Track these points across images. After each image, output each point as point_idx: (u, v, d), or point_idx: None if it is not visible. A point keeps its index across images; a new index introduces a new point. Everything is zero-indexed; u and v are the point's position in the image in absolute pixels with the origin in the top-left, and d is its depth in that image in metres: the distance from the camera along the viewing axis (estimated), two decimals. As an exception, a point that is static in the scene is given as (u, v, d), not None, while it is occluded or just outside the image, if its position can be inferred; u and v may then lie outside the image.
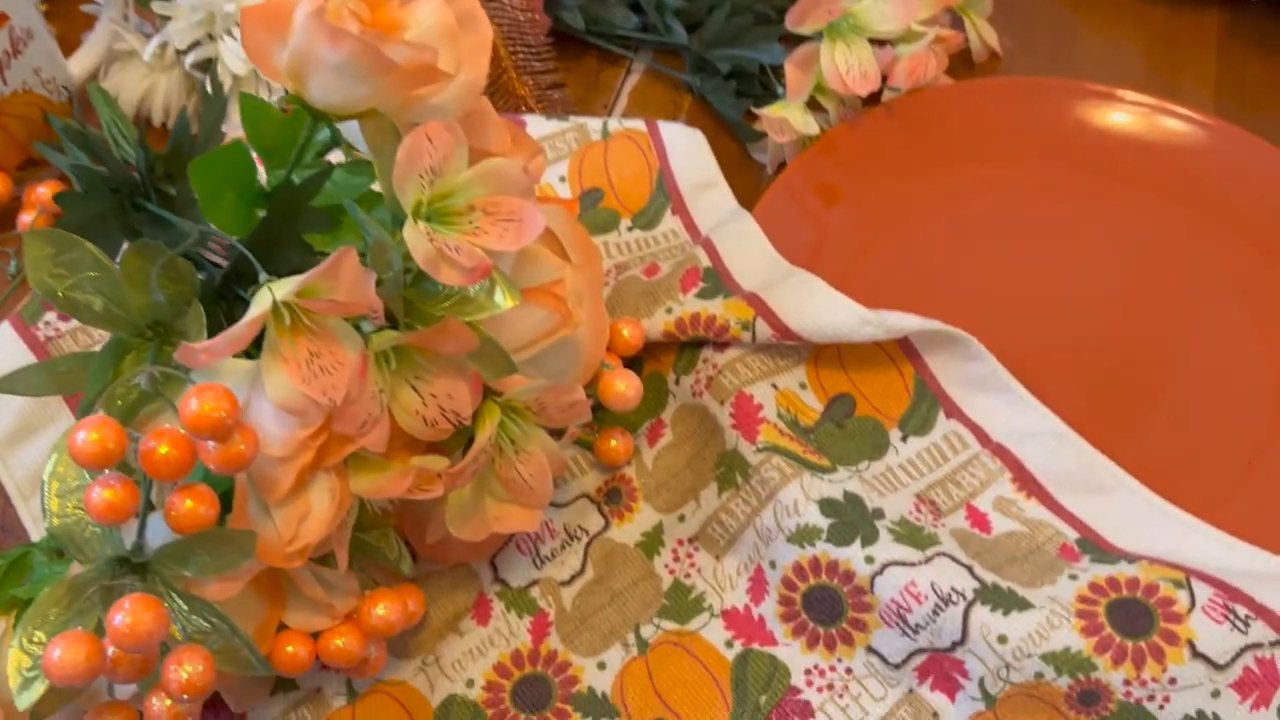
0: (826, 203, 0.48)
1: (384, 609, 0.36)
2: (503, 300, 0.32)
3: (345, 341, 0.31)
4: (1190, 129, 0.49)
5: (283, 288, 0.30)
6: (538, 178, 0.42)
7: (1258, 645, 0.35)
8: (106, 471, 0.29)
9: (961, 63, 0.55)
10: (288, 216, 0.34)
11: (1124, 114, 0.49)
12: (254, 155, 0.35)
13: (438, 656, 0.40)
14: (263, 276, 0.31)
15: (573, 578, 0.41)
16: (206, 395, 0.28)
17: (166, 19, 0.50)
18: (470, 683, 0.39)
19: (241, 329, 0.29)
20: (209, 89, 0.38)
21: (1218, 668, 0.35)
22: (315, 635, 0.36)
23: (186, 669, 0.30)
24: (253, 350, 0.31)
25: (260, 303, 0.30)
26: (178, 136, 0.37)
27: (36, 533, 0.43)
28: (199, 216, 0.36)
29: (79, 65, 0.53)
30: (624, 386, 0.40)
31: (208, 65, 0.51)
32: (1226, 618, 0.36)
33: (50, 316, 0.46)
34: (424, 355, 0.33)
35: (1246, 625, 0.36)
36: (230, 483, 0.33)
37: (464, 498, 0.37)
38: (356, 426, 0.32)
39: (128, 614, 0.28)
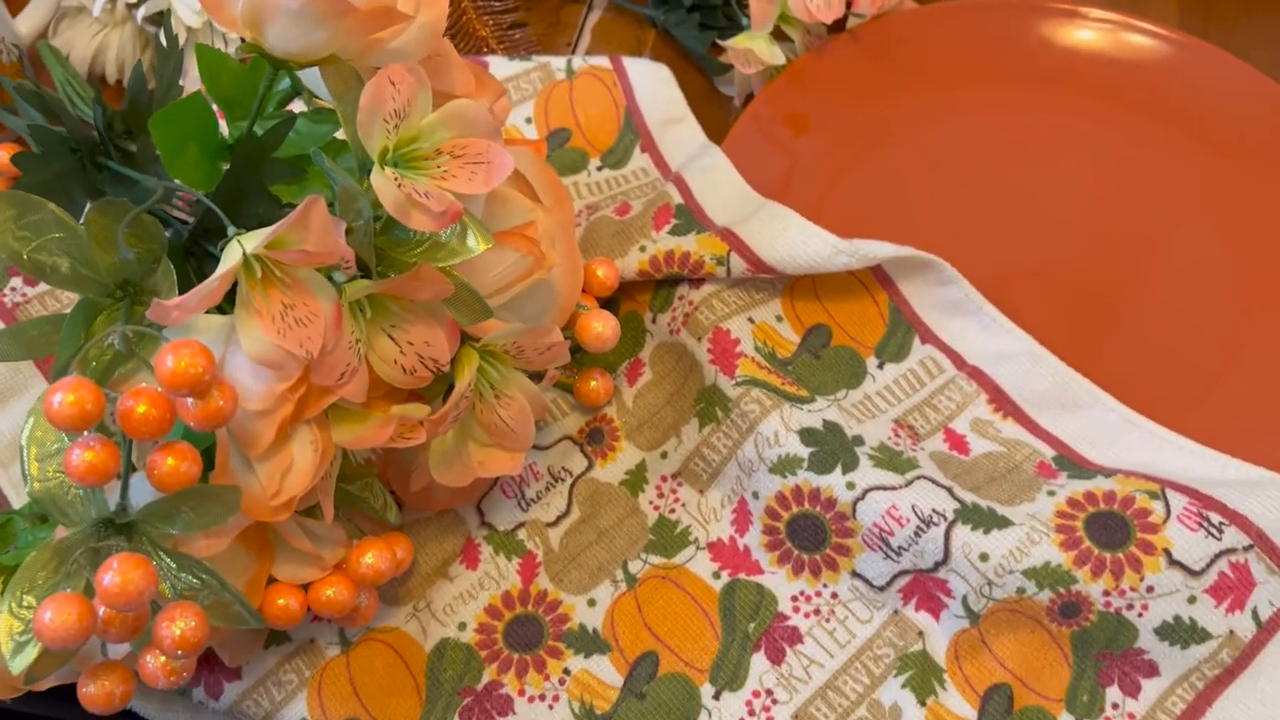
0: (795, 133, 0.48)
1: (373, 557, 0.36)
2: (475, 244, 0.32)
3: (318, 292, 0.31)
4: (1155, 44, 0.49)
5: (252, 240, 0.30)
6: (503, 119, 0.42)
7: (1231, 551, 0.36)
8: (85, 433, 0.29)
9: (926, -14, 0.54)
10: (252, 168, 0.34)
11: (1088, 31, 0.49)
12: (214, 108, 0.35)
13: (429, 602, 0.40)
14: (231, 230, 0.31)
15: (559, 518, 0.42)
16: (183, 352, 0.28)
17: (114, -29, 0.49)
18: (462, 626, 0.40)
19: (213, 283, 0.29)
20: (163, 42, 0.38)
21: (1193, 574, 0.36)
22: (305, 587, 0.36)
23: (179, 625, 0.30)
24: (225, 306, 0.31)
25: (230, 256, 0.29)
26: (134, 92, 0.36)
27: (18, 500, 0.42)
28: (162, 172, 0.35)
29: (27, 24, 0.51)
30: (601, 327, 0.40)
31: (160, 19, 0.50)
32: (1201, 525, 0.37)
33: (16, 282, 0.45)
34: (399, 303, 0.33)
35: (1220, 532, 0.36)
36: (212, 439, 0.33)
37: (447, 444, 0.37)
38: (335, 377, 0.32)
39: (116, 573, 0.28)
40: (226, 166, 0.34)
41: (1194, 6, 0.53)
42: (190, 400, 0.29)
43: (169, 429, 0.29)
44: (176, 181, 0.33)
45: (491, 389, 0.36)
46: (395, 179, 0.31)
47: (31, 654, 0.30)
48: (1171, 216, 0.46)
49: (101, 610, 0.30)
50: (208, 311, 0.31)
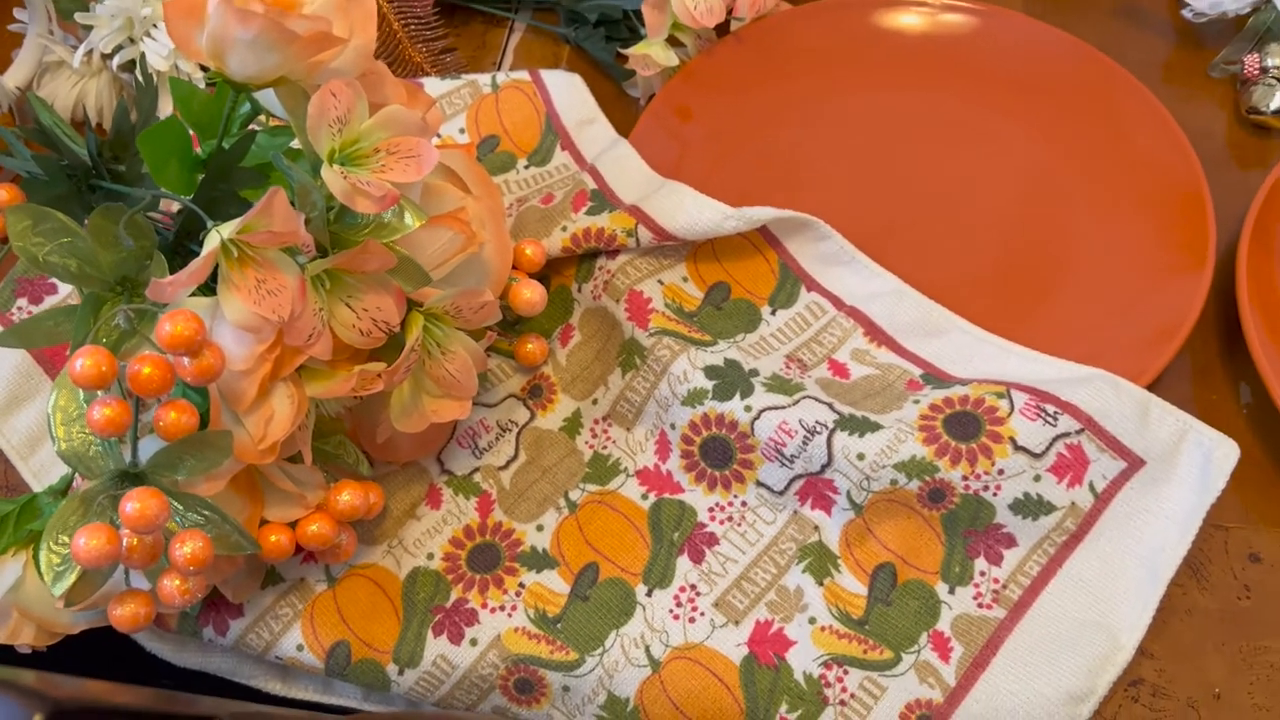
0: (689, 122, 0.55)
1: (348, 495, 0.43)
2: (412, 221, 0.39)
3: (285, 268, 0.38)
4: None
5: (227, 228, 0.36)
6: (436, 128, 0.49)
7: (1065, 434, 0.44)
8: (102, 393, 0.36)
9: (803, -11, 0.62)
10: (223, 177, 0.41)
11: (940, 16, 0.57)
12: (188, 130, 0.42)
13: (400, 539, 0.47)
14: (210, 224, 0.38)
15: (508, 462, 0.49)
16: (177, 318, 0.35)
17: (90, 28, 0.56)
18: (430, 556, 0.46)
19: (199, 263, 0.36)
20: (139, 82, 0.45)
21: (1035, 456, 0.43)
22: (293, 526, 0.43)
23: (188, 546, 0.36)
24: (209, 290, 0.38)
25: (211, 242, 0.36)
26: (119, 122, 0.43)
27: (39, 487, 0.49)
28: (148, 187, 0.42)
29: (13, 79, 0.58)
30: (530, 293, 0.47)
31: (132, 67, 0.57)
32: (1039, 415, 0.44)
33: (22, 302, 0.52)
34: (353, 276, 0.40)
35: (1055, 419, 0.44)
36: (206, 406, 0.40)
37: (404, 397, 0.44)
38: (304, 338, 0.39)
39: (135, 500, 0.35)
40: (201, 177, 0.41)
41: (1035, -9, 0.61)
42: (186, 360, 0.36)
43: (170, 387, 0.36)
44: (162, 190, 0.40)
45: (438, 346, 0.43)
46: (342, 173, 0.38)
47: (70, 578, 0.37)
48: (998, 162, 0.54)
49: (125, 538, 0.36)
50: (194, 293, 0.38)
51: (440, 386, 0.44)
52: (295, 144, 0.43)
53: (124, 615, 0.39)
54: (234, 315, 0.37)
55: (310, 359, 0.40)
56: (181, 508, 0.39)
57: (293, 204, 0.39)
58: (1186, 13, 0.57)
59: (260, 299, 0.37)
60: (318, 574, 0.46)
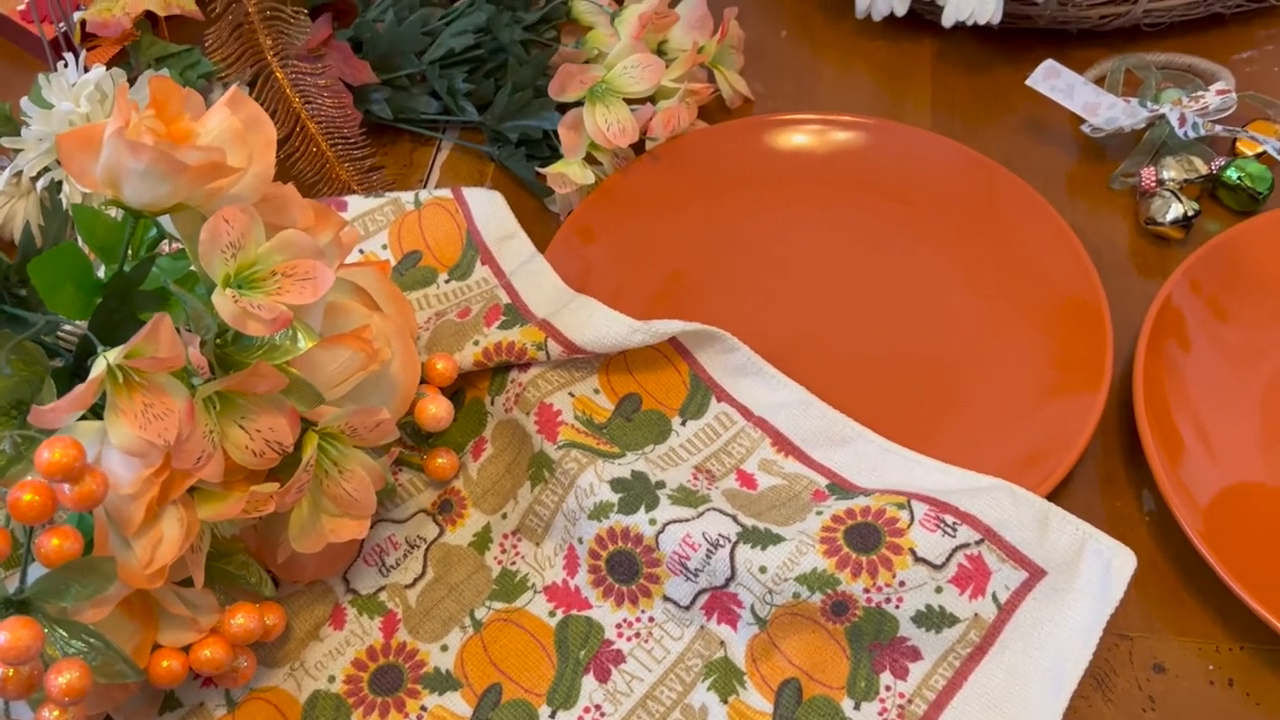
0: (604, 238, 0.57)
1: (242, 618, 0.42)
2: (303, 343, 0.40)
3: (172, 391, 0.38)
4: (905, 139, 0.59)
5: (114, 354, 0.37)
6: (350, 246, 0.50)
7: (965, 545, 0.44)
8: (-18, 519, 0.36)
9: (719, 108, 0.64)
10: (123, 300, 0.41)
11: (845, 133, 0.59)
12: (91, 255, 0.43)
13: (303, 661, 0.46)
14: (100, 348, 0.38)
15: (415, 580, 0.48)
16: (55, 445, 0.35)
17: (18, 151, 0.57)
18: (332, 679, 0.46)
19: (82, 389, 0.36)
20: (44, 209, 0.45)
21: (936, 568, 0.43)
22: (187, 650, 0.42)
23: (65, 676, 0.36)
24: (99, 414, 0.38)
25: (97, 367, 0.37)
26: (24, 246, 0.44)
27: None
28: (50, 312, 0.42)
29: (-58, 201, 0.59)
30: (436, 409, 0.48)
31: (59, 189, 0.58)
32: (938, 526, 0.44)
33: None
34: (245, 398, 0.40)
35: (954, 530, 0.44)
36: (92, 532, 0.40)
37: (303, 517, 0.43)
38: (192, 462, 0.39)
39: (6, 631, 0.34)
40: (100, 301, 0.41)
41: (944, 107, 0.64)
42: (67, 486, 0.36)
43: (50, 514, 0.36)
44: (59, 316, 0.41)
45: (335, 465, 0.43)
46: (233, 297, 0.38)
47: (-61, 714, 0.36)
48: (900, 274, 0.55)
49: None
50: (82, 419, 0.38)
51: (338, 505, 0.44)
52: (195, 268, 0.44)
53: (-1, 748, 0.38)
54: (119, 440, 0.37)
55: (201, 481, 0.40)
56: (65, 635, 0.38)
57: (187, 328, 0.39)
58: (1085, 128, 0.59)
59: (146, 423, 0.37)
60: (217, 699, 0.45)
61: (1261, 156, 0.57)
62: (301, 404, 0.41)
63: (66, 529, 0.37)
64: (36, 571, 0.38)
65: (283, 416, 0.41)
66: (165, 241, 0.44)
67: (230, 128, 0.40)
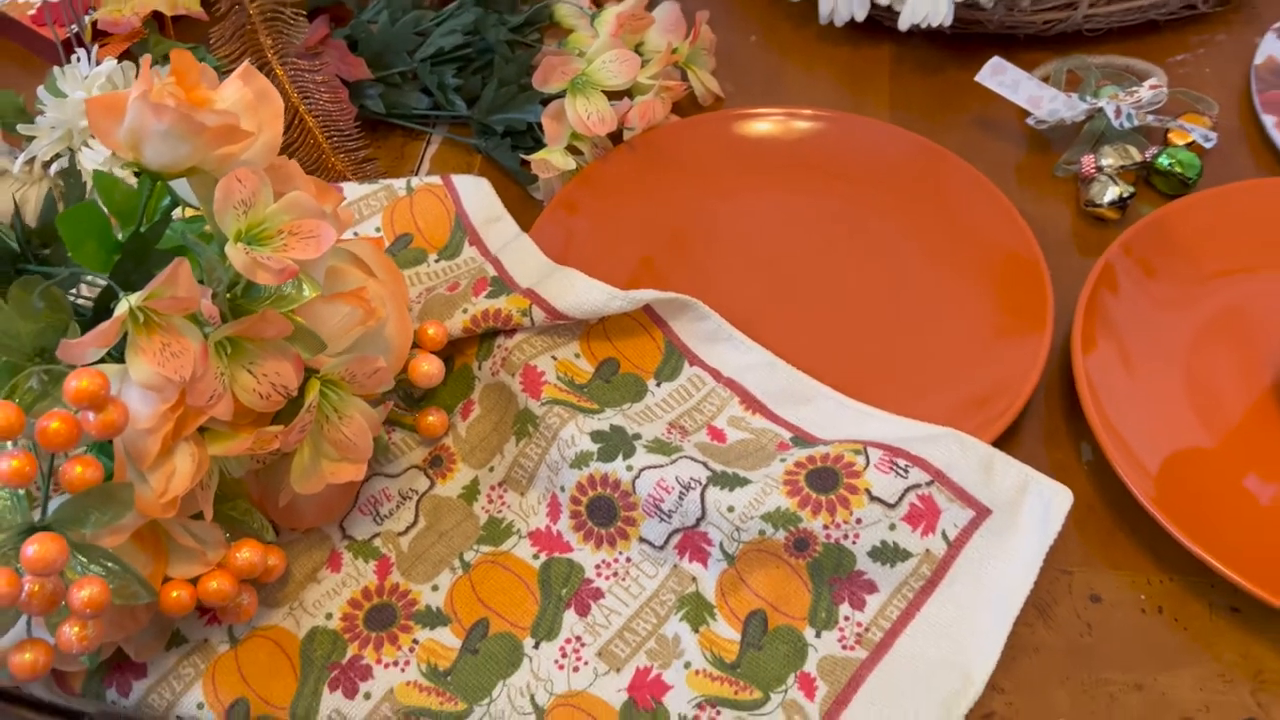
0: (584, 217, 0.61)
1: (247, 552, 0.45)
2: (309, 292, 0.43)
3: (188, 334, 0.41)
4: (861, 129, 0.63)
5: (136, 296, 0.40)
6: (347, 223, 0.53)
7: (917, 485, 0.47)
8: (9, 446, 0.39)
9: (693, 105, 0.68)
10: (139, 257, 0.45)
11: (806, 123, 0.64)
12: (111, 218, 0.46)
13: (301, 601, 0.49)
14: (121, 294, 0.41)
15: (408, 528, 0.51)
16: (83, 375, 0.38)
17: (31, 138, 0.61)
18: (329, 616, 0.49)
19: (107, 326, 0.39)
20: (66, 177, 0.49)
21: (890, 506, 0.47)
22: (194, 582, 0.45)
23: (86, 590, 0.39)
24: (117, 357, 0.42)
25: (120, 307, 0.40)
26: (46, 211, 0.47)
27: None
28: (72, 269, 0.46)
29: (-42, 187, 0.63)
30: (428, 366, 0.51)
31: (69, 174, 0.62)
32: (892, 468, 0.48)
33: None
34: (253, 343, 0.43)
35: (906, 472, 0.48)
36: (111, 466, 0.43)
37: (305, 461, 0.47)
38: (205, 399, 0.42)
39: (36, 544, 0.38)
40: (118, 258, 0.45)
41: (901, 105, 0.68)
42: (91, 415, 0.39)
43: (75, 441, 0.39)
44: (83, 268, 0.44)
45: (335, 411, 0.46)
46: (244, 249, 0.42)
47: (-29, 622, 0.39)
48: (858, 249, 0.59)
49: (26, 583, 0.39)
50: (102, 361, 0.42)
51: (337, 450, 0.47)
52: (208, 228, 0.47)
53: (23, 663, 0.41)
54: (139, 375, 0.40)
55: (212, 420, 0.43)
56: (85, 560, 0.41)
57: (202, 281, 0.43)
58: (1030, 121, 0.63)
59: (164, 360, 0.40)
60: (221, 635, 0.48)
61: (1191, 145, 0.61)
62: (305, 350, 0.44)
63: (89, 458, 0.40)
64: (56, 504, 0.41)
65: (288, 362, 0.44)
66: (180, 209, 0.48)
67: (243, 98, 0.44)
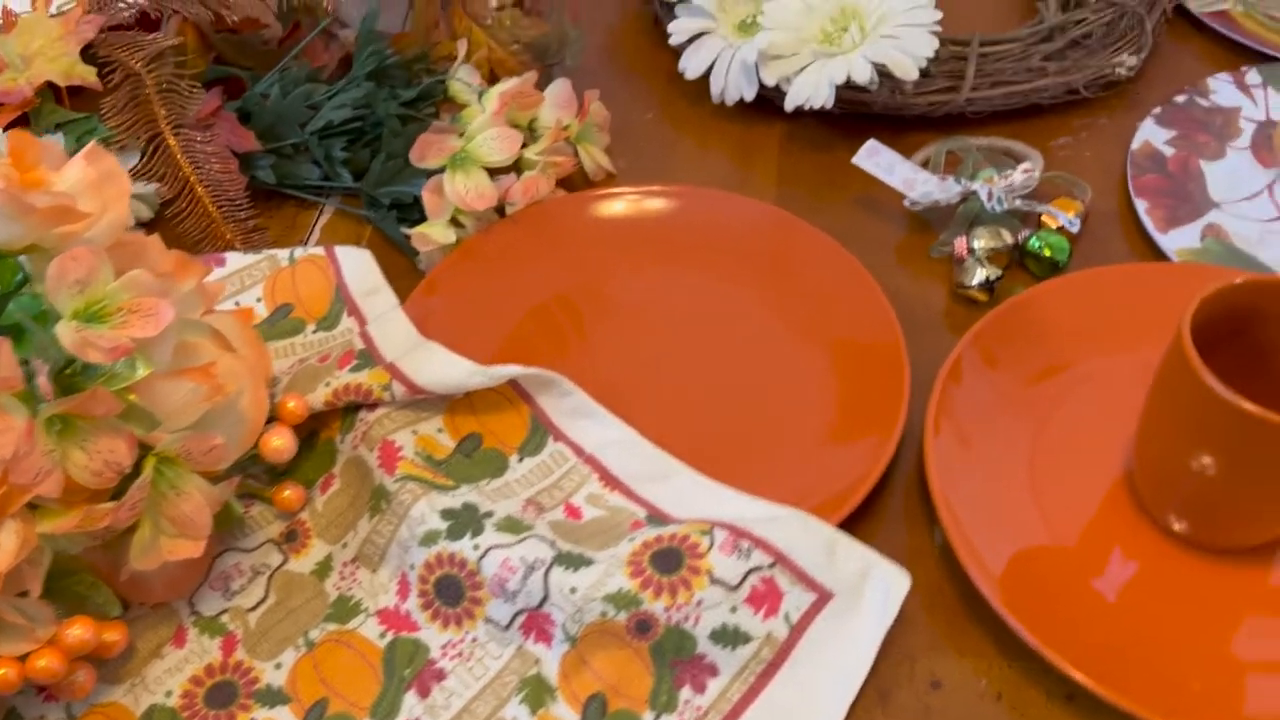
0: (458, 290, 0.61)
1: (79, 629, 0.45)
2: (140, 370, 0.44)
3: (13, 412, 0.41)
4: (751, 212, 0.64)
5: (-42, 375, 0.40)
6: (215, 296, 0.54)
7: (758, 568, 0.48)
8: None
9: (583, 180, 0.69)
10: (-20, 333, 0.45)
11: (693, 203, 0.65)
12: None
13: (143, 677, 0.49)
14: (-53, 372, 0.42)
15: (258, 604, 0.51)
16: (-107, 454, 0.38)
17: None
18: (169, 693, 0.48)
19: (-77, 405, 0.40)
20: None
21: (731, 588, 0.47)
22: (23, 660, 0.45)
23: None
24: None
25: (-61, 387, 0.40)
26: (-106, 284, 0.47)
27: None
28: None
29: None
30: (279, 441, 0.51)
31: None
32: (735, 550, 0.48)
33: None
34: (86, 421, 0.43)
35: (748, 554, 0.48)
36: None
37: (145, 537, 0.46)
38: (30, 477, 0.42)
39: None
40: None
41: (789, 183, 0.69)
42: (-96, 494, 0.39)
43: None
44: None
45: (173, 488, 0.46)
46: (75, 328, 0.42)
47: None
48: (722, 325, 0.60)
49: None
50: (-68, 435, 0.42)
51: (175, 526, 0.47)
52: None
53: None
54: (-42, 454, 0.40)
55: (40, 497, 0.43)
56: (-100, 640, 0.41)
57: (39, 358, 0.43)
58: (906, 202, 0.64)
59: (-15, 439, 0.41)
60: (59, 713, 0.48)
61: (1061, 230, 0.63)
62: (139, 427, 0.45)
63: (-96, 536, 0.40)
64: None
65: (121, 439, 0.44)
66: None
67: (85, 178, 0.45)
